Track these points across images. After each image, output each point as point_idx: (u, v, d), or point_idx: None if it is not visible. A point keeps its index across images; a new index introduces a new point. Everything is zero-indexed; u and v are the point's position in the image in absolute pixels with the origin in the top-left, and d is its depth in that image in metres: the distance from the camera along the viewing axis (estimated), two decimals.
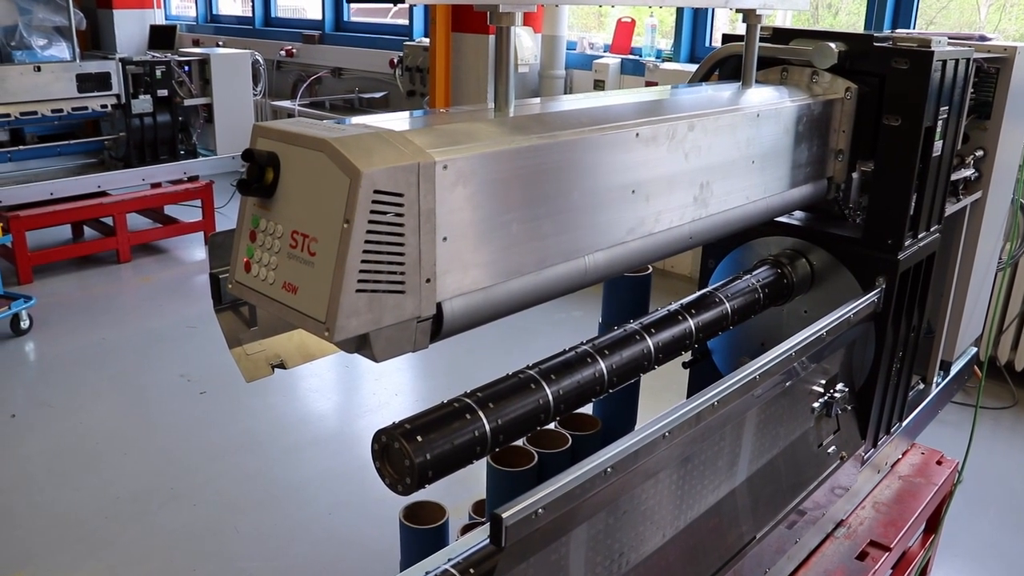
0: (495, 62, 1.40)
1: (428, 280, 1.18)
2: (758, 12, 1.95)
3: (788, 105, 1.97)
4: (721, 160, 1.76)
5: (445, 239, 1.19)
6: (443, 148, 1.17)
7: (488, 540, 1.51)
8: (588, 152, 1.42)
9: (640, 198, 1.57)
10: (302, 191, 1.13)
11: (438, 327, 1.25)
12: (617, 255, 1.57)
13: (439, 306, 1.22)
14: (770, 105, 1.92)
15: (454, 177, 1.18)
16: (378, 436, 1.31)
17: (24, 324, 4.97)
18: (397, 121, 1.28)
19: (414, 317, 1.18)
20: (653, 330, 1.76)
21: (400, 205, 1.10)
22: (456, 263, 1.23)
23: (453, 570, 1.57)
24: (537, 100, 1.66)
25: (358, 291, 1.09)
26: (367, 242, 1.08)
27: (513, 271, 1.34)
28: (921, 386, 2.75)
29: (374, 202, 1.07)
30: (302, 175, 1.12)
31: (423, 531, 2.24)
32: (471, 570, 1.57)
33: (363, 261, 1.08)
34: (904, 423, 2.59)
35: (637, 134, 1.52)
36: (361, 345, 1.16)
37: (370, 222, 1.07)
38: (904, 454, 2.74)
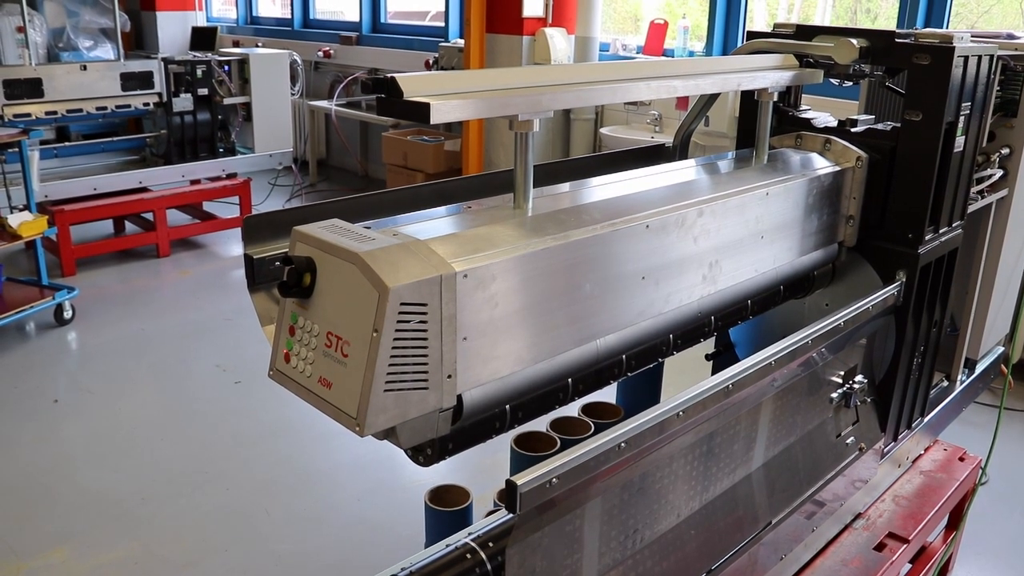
0: (514, 160, 1.48)
1: (449, 376, 1.27)
2: (770, 90, 2.02)
3: (798, 181, 1.99)
4: (730, 239, 1.82)
5: (465, 339, 1.28)
6: (463, 257, 1.27)
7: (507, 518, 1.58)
8: (600, 247, 1.50)
9: (650, 283, 1.63)
10: (336, 296, 1.22)
11: (458, 413, 1.35)
12: (628, 336, 1.64)
13: (459, 397, 1.32)
14: (780, 183, 1.94)
15: (474, 284, 1.27)
16: None
17: (67, 314, 5.13)
18: (422, 225, 1.39)
19: (436, 409, 1.27)
20: (671, 316, 1.80)
21: (424, 314, 1.20)
22: (475, 358, 1.32)
23: (473, 543, 1.64)
24: (554, 190, 1.73)
25: (386, 391, 1.18)
26: (394, 348, 1.17)
27: (528, 360, 1.43)
28: (945, 383, 2.75)
29: (400, 313, 1.16)
30: (336, 282, 1.22)
31: (447, 513, 2.29)
32: (490, 543, 1.63)
33: (390, 365, 1.17)
34: (926, 419, 2.59)
35: (647, 226, 1.59)
36: (388, 434, 1.27)
37: (397, 330, 1.16)
38: (926, 450, 2.75)
